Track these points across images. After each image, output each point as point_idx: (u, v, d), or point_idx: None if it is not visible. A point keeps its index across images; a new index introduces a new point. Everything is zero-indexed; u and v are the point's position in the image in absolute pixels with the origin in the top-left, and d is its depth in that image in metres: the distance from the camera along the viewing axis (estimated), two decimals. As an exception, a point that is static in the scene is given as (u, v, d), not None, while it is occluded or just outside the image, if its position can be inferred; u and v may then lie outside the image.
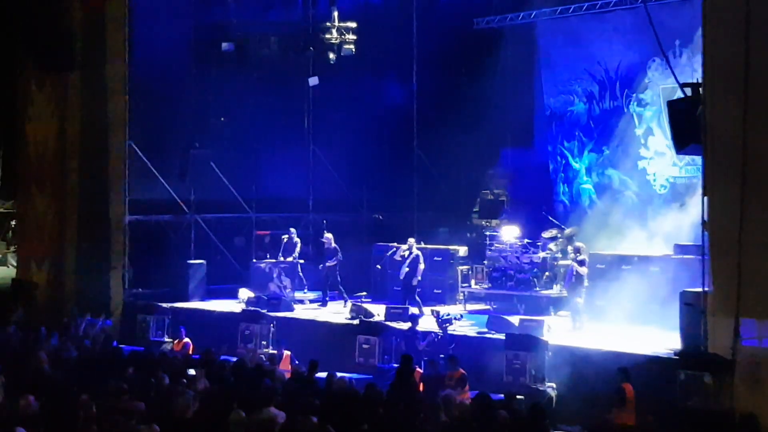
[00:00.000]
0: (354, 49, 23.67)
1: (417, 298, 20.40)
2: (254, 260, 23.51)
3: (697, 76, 14.96)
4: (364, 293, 22.16)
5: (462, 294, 21.66)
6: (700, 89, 14.54)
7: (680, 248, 18.59)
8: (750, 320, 13.64)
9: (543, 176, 24.91)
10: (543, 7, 23.67)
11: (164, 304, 21.43)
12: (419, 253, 20.74)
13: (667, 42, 19.17)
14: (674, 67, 17.34)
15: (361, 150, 25.11)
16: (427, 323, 18.55)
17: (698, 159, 16.01)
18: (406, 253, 20.77)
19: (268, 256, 23.30)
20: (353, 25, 23.79)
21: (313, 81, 24.55)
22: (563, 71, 24.46)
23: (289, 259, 22.56)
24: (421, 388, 14.79)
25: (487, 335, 17.83)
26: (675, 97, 16.00)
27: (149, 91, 22.91)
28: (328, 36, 23.69)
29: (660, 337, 16.39)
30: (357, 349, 17.94)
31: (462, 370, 15.13)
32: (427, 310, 19.71)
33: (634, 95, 22.85)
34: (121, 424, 10.49)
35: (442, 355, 16.36)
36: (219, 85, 24.43)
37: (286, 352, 17.31)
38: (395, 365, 15.90)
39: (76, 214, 23.16)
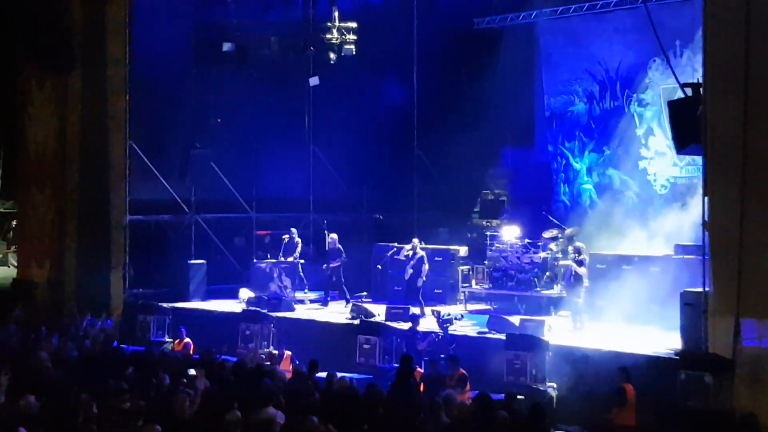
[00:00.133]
0: (354, 49, 23.69)
1: (420, 298, 20.39)
2: (255, 260, 23.51)
3: (698, 76, 14.97)
4: (365, 293, 22.18)
5: (463, 294, 21.65)
6: (701, 89, 14.53)
7: (681, 248, 18.57)
8: (750, 320, 13.62)
9: (543, 176, 24.91)
10: (543, 8, 23.68)
11: (165, 304, 21.40)
12: (424, 254, 20.71)
13: (668, 42, 19.16)
14: (675, 67, 17.35)
15: (361, 150, 25.11)
16: (428, 323, 18.55)
17: (699, 159, 16.00)
18: (410, 253, 20.74)
19: (268, 256, 23.28)
20: (353, 25, 23.81)
21: (314, 81, 24.56)
22: (564, 71, 24.47)
23: (290, 259, 22.55)
24: (421, 389, 14.78)
25: (488, 335, 17.82)
26: (675, 97, 15.98)
27: (149, 91, 22.90)
28: (328, 36, 23.70)
29: (660, 337, 16.38)
30: (357, 349, 17.95)
31: (463, 370, 15.13)
32: (427, 310, 19.72)
33: (635, 95, 22.85)
34: (122, 425, 10.50)
35: (442, 356, 16.35)
36: (219, 85, 24.43)
37: (287, 352, 17.32)
38: (396, 365, 15.89)
39: (77, 214, 23.17)
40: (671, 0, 20.55)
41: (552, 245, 20.88)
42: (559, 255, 20.61)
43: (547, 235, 21.34)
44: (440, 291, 21.88)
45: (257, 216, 24.89)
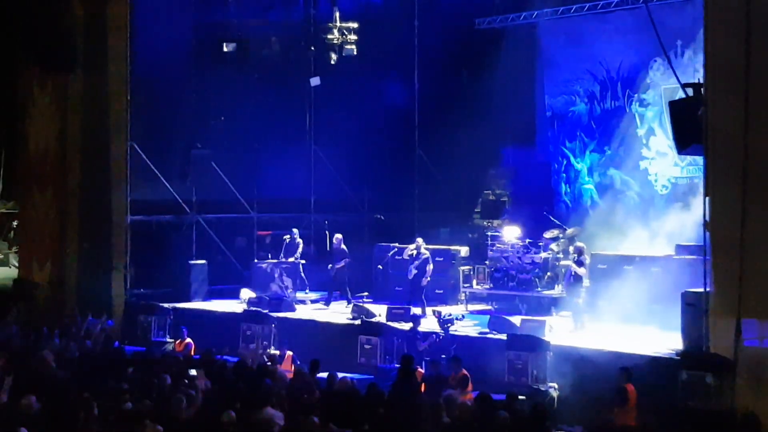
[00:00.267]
0: (355, 50, 23.68)
1: (423, 299, 20.37)
2: (256, 260, 23.49)
3: (699, 76, 14.96)
4: (366, 293, 22.17)
5: (463, 294, 21.63)
6: (702, 89, 14.51)
7: (682, 248, 18.56)
8: (752, 320, 13.60)
9: (544, 176, 24.89)
10: (544, 8, 23.65)
11: (166, 305, 21.42)
12: (428, 254, 20.69)
13: (669, 42, 19.14)
14: (676, 67, 17.28)
15: (362, 150, 25.11)
16: (429, 324, 18.54)
17: (700, 159, 15.98)
18: (414, 253, 20.71)
19: (269, 257, 23.29)
20: (354, 25, 23.79)
21: (315, 81, 24.56)
22: (565, 71, 24.45)
23: (291, 259, 22.55)
24: (422, 389, 14.77)
25: (489, 335, 17.82)
26: (677, 98, 15.97)
27: (150, 92, 22.91)
28: (329, 36, 23.69)
29: (661, 338, 16.38)
30: (359, 350, 17.96)
31: (464, 371, 15.12)
32: (429, 310, 19.71)
33: (636, 95, 22.83)
34: (123, 425, 10.50)
35: (443, 356, 16.35)
36: (220, 85, 24.42)
37: (289, 353, 17.30)
38: (396, 365, 15.89)
39: (78, 214, 23.17)
40: (672, 0, 20.54)
41: (553, 245, 20.88)
42: (561, 255, 20.60)
43: (548, 235, 21.33)
44: (441, 291, 21.86)
45: (258, 216, 24.88)
